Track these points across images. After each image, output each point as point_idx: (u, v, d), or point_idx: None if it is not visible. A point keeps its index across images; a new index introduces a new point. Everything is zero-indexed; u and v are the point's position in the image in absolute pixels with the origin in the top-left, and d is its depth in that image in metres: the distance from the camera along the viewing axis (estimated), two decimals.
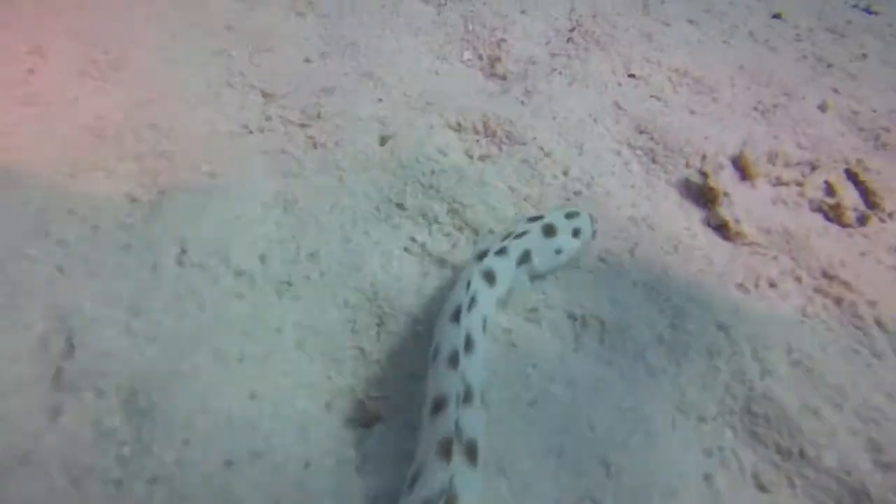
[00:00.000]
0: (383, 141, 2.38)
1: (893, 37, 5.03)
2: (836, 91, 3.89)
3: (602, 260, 2.15)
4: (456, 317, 1.49)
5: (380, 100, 2.58)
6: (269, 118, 2.42)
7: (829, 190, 2.75)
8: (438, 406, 1.35)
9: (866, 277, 2.34)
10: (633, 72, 3.25)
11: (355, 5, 3.25)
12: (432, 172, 2.23)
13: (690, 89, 3.41)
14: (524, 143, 2.46)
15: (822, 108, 3.61)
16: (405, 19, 3.22)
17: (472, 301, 1.54)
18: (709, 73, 3.56)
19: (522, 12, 3.43)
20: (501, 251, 1.73)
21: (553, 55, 3.15)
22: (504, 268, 1.71)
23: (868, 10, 5.60)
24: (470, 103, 2.65)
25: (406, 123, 2.45)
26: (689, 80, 3.43)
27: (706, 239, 2.44)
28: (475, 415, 1.37)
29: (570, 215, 1.91)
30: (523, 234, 1.80)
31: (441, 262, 1.98)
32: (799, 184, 2.83)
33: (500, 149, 2.47)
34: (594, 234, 2.03)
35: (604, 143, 2.67)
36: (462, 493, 1.22)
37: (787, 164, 2.93)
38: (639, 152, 2.74)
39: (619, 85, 3.10)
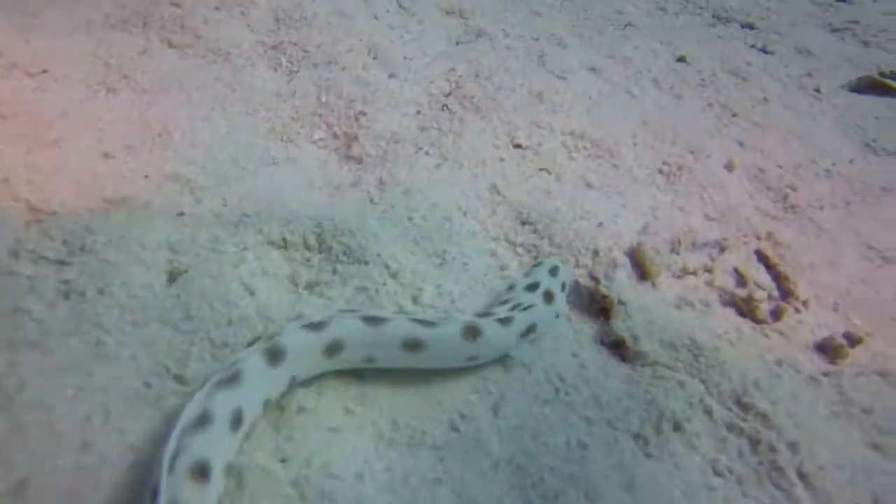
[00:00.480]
0: (172, 277, 1.73)
1: (790, 78, 4.81)
2: (741, 144, 3.54)
3: (454, 429, 1.59)
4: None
5: (181, 213, 1.96)
6: (16, 254, 1.75)
7: (740, 279, 2.33)
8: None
9: (785, 403, 1.88)
10: (519, 141, 2.76)
11: (184, 77, 2.63)
12: (229, 323, 1.62)
13: (588, 154, 2.95)
14: (365, 262, 1.89)
15: (729, 166, 3.24)
16: (244, 93, 2.61)
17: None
18: (609, 133, 3.11)
19: (391, 76, 2.89)
20: (506, 320, 1.69)
21: (422, 129, 2.61)
22: (505, 335, 1.69)
23: (764, 51, 5.41)
24: (305, 206, 2.05)
25: (209, 247, 1.83)
26: (586, 143, 2.97)
27: (597, 367, 1.93)
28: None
29: (552, 271, 1.94)
30: (530, 307, 1.77)
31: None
32: (708, 270, 2.40)
33: (335, 271, 1.88)
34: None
35: (475, 243, 2.14)
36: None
37: (693, 245, 2.49)
38: (519, 251, 2.21)
39: (501, 160, 2.60)
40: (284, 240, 1.89)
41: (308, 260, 1.88)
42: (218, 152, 2.20)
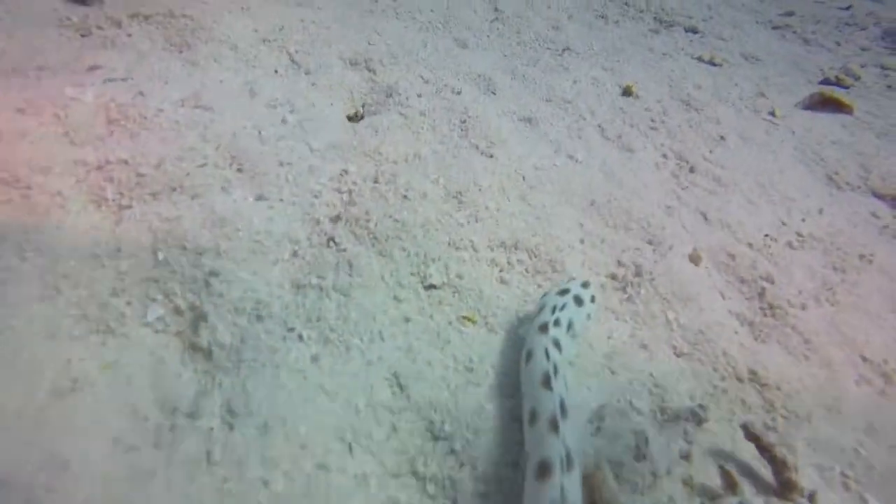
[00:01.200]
0: None
1: (742, 101, 4.14)
2: (705, 217, 2.88)
3: None
4: (547, 384, 1.48)
5: None
6: None
7: (728, 481, 1.71)
8: (544, 471, 1.31)
9: None
10: (432, 280, 2.02)
11: None
12: None
13: (524, 270, 2.22)
14: None
15: (694, 258, 2.60)
16: (42, 260, 1.73)
17: (556, 368, 1.54)
18: (549, 233, 2.32)
19: (259, 199, 2.05)
20: (557, 322, 1.73)
21: (297, 288, 1.84)
22: (563, 337, 1.72)
23: (712, 63, 4.74)
24: (100, 489, 1.31)
25: None
26: (521, 254, 2.23)
27: None
28: (576, 481, 1.34)
29: (584, 285, 1.93)
30: (564, 306, 1.80)
31: None
32: (685, 456, 1.75)
33: None
34: None
35: (364, 497, 1.45)
36: None
37: (663, 413, 1.85)
38: (431, 488, 1.51)
39: (406, 322, 1.84)
40: None
41: None
42: None
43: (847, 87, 4.82)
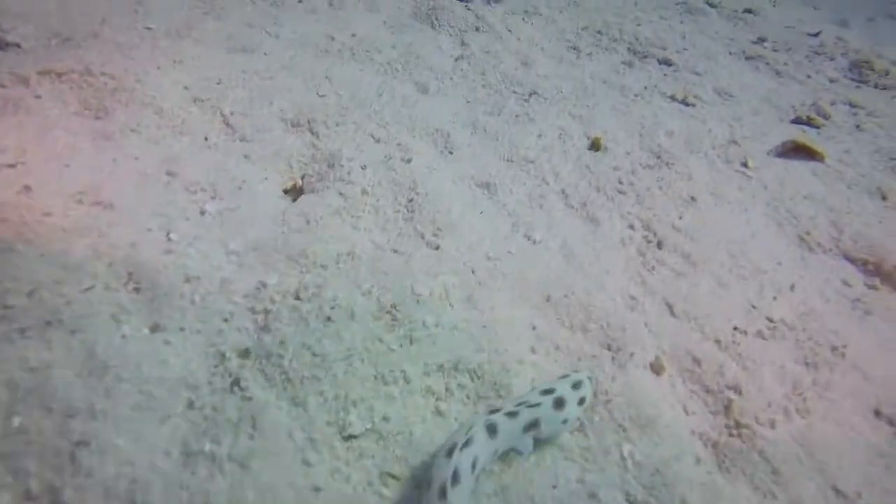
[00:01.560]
0: None
1: (714, 150, 3.82)
2: (670, 309, 2.55)
3: None
4: (449, 453, 1.43)
5: None
6: None
7: None
8: None
9: None
10: (352, 430, 1.62)
11: None
12: None
13: (465, 397, 1.85)
14: None
15: (657, 368, 2.32)
16: None
17: (467, 442, 1.47)
18: (498, 346, 1.85)
19: (155, 329, 1.67)
20: (512, 413, 1.62)
21: (188, 456, 1.46)
22: (508, 428, 1.60)
23: (685, 103, 4.45)
24: None
25: None
26: (463, 378, 1.86)
27: None
28: None
29: (576, 385, 1.80)
30: (537, 405, 1.68)
31: None
32: None
33: None
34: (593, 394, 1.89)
35: None
36: None
37: None
38: None
39: (316, 491, 1.51)
40: None
41: None
42: None
43: (818, 128, 4.58)
